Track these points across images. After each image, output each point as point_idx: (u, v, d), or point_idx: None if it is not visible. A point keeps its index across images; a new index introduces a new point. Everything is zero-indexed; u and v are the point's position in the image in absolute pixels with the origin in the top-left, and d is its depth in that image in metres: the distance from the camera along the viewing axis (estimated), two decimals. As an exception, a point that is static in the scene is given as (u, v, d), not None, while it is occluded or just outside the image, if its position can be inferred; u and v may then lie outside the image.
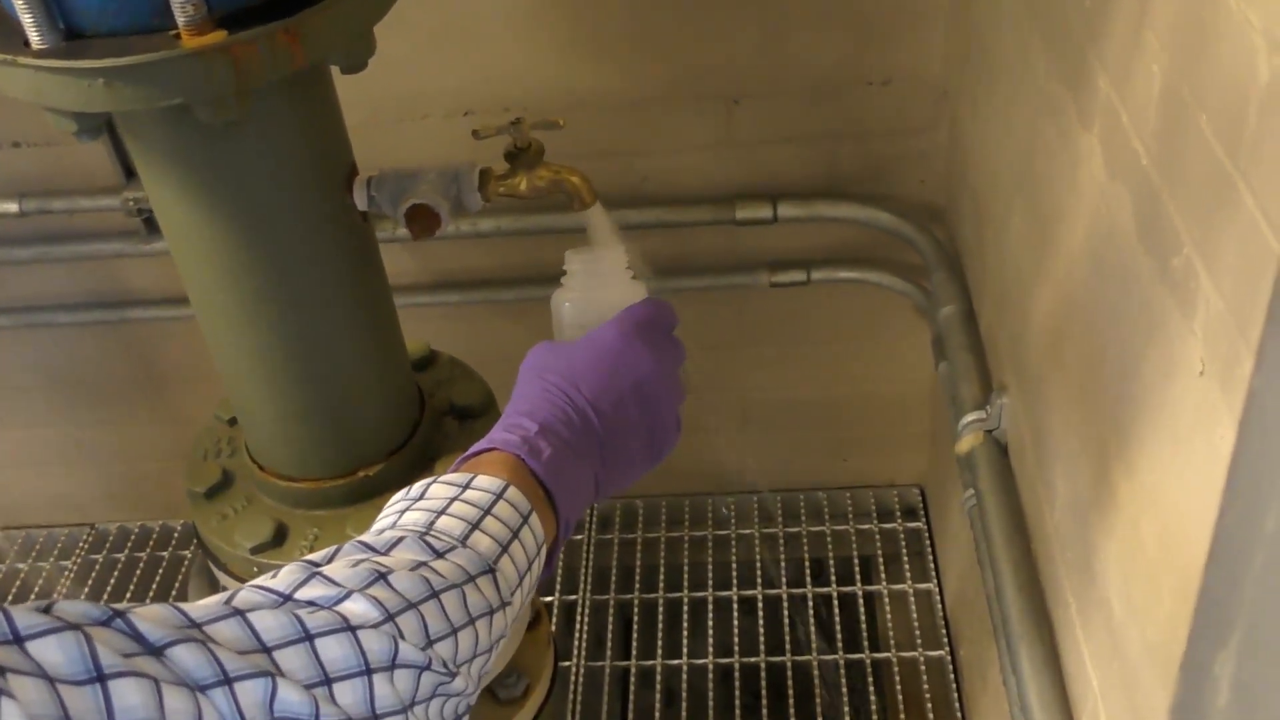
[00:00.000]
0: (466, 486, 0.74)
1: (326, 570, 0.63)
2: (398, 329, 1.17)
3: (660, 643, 2.18)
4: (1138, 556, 0.98)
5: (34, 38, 0.83)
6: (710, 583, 2.26)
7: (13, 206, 1.97)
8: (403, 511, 0.72)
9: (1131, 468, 0.99)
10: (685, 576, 2.29)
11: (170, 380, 2.31)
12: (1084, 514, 1.14)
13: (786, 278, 2.01)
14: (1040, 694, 1.25)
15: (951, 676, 2.07)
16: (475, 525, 0.71)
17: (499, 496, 0.73)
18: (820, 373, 2.25)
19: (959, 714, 2.01)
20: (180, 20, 0.82)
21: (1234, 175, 0.76)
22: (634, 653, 2.19)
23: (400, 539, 0.68)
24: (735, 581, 2.26)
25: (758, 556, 2.32)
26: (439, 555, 0.68)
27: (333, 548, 0.67)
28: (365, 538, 0.69)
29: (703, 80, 1.87)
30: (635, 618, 2.24)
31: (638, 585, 2.29)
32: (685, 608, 2.23)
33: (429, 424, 1.21)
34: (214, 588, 1.22)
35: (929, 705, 2.04)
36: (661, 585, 2.27)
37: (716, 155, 1.95)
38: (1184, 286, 0.85)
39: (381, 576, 0.63)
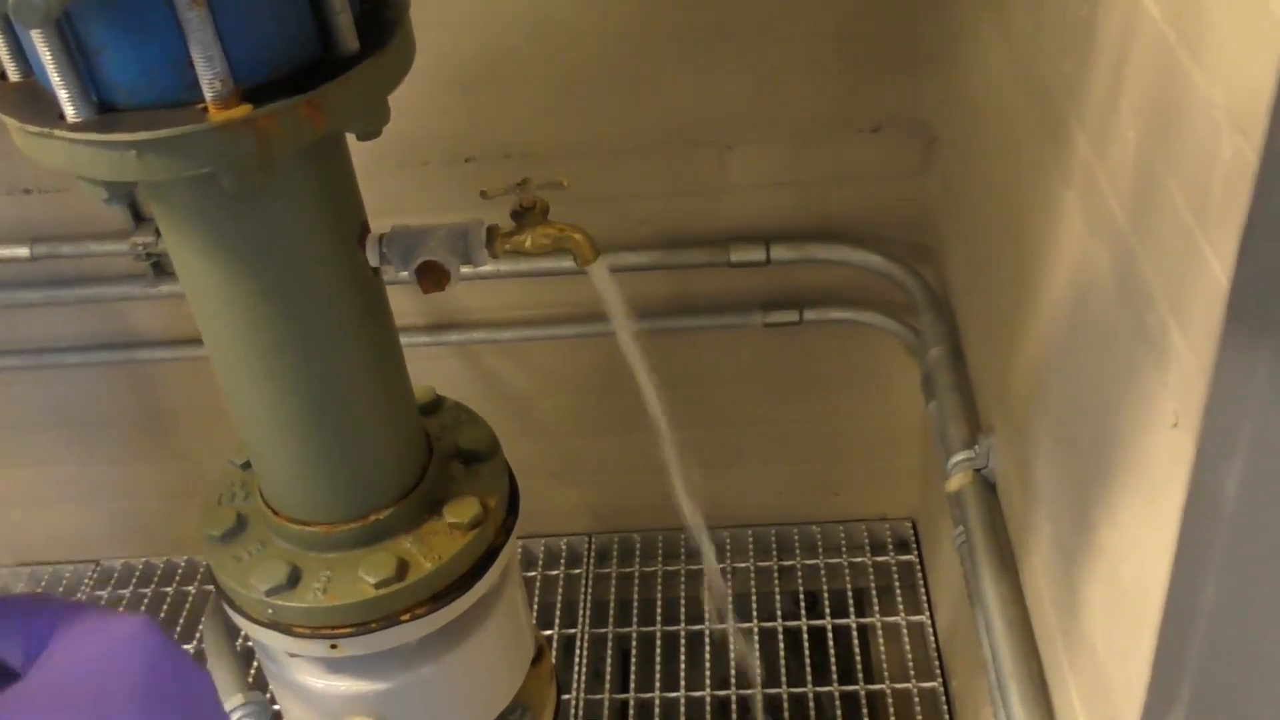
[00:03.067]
0: None
1: None
2: (406, 377, 1.22)
3: (658, 675, 2.21)
4: (1120, 599, 1.02)
5: (69, 111, 0.87)
6: (706, 615, 2.30)
7: (24, 251, 2.02)
8: None
9: (1112, 514, 1.03)
10: (682, 609, 2.32)
11: (175, 419, 2.35)
12: (1069, 555, 1.18)
13: (779, 318, 2.06)
14: (1029, 728, 1.29)
15: (945, 708, 2.11)
16: None
17: None
18: (813, 409, 2.30)
19: (952, 745, 2.05)
20: (208, 95, 0.86)
21: (1201, 241, 0.81)
22: (632, 685, 2.22)
23: None
24: (732, 614, 2.30)
25: (753, 589, 2.36)
26: None
27: None
28: None
29: (697, 127, 1.92)
30: (633, 650, 2.28)
31: (635, 618, 2.33)
32: (683, 640, 2.27)
33: (436, 468, 1.25)
34: (229, 629, 1.26)
35: (922, 736, 2.08)
36: (659, 618, 2.31)
37: (711, 199, 2.00)
38: (1158, 342, 0.90)
39: None
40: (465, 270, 2.08)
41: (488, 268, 1.99)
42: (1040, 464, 1.31)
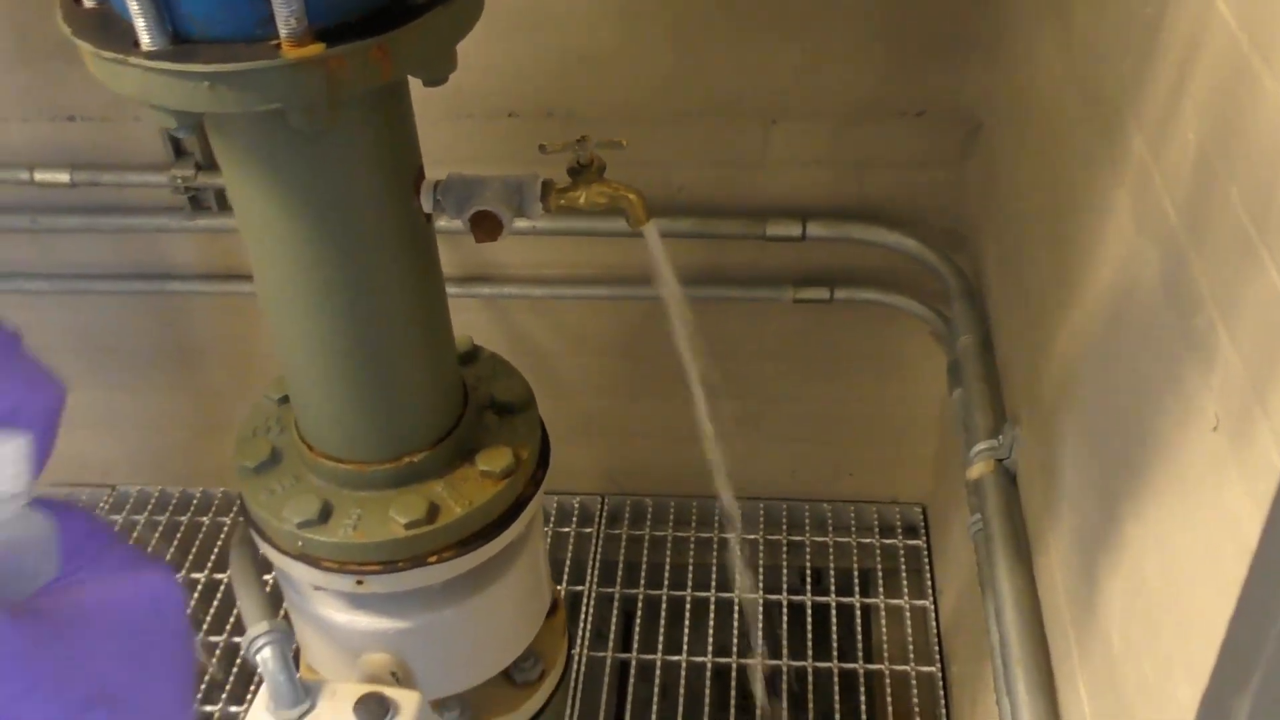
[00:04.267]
0: None
1: None
2: (449, 325, 1.23)
3: (661, 639, 2.24)
4: (1140, 596, 1.03)
5: (144, 40, 0.88)
6: (713, 584, 2.32)
7: (64, 177, 2.03)
8: None
9: (1139, 511, 1.04)
10: (690, 576, 2.34)
11: (201, 354, 2.36)
12: (1089, 549, 1.20)
13: (810, 295, 2.07)
14: (1033, 715, 1.30)
15: (941, 693, 2.13)
16: None
17: None
18: (834, 389, 2.31)
19: (947, 729, 2.07)
20: (283, 32, 0.87)
21: (1259, 247, 0.82)
22: (635, 646, 2.25)
23: None
24: (738, 584, 2.32)
25: (760, 562, 2.37)
26: None
27: None
28: None
29: (742, 99, 1.92)
30: (638, 612, 2.30)
31: (643, 581, 2.35)
32: (688, 606, 2.29)
33: (471, 416, 1.27)
34: (256, 558, 1.28)
35: (917, 718, 2.10)
36: (666, 583, 2.33)
37: (751, 171, 2.00)
38: (1204, 345, 0.91)
39: None
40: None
41: (524, 223, 2.01)
42: (1066, 457, 1.32)
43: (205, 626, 2.28)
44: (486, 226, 1.08)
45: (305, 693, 1.12)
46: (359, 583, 1.19)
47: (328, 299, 1.07)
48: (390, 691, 1.16)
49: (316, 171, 1.00)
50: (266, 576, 1.34)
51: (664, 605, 2.29)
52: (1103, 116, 1.23)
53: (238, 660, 2.24)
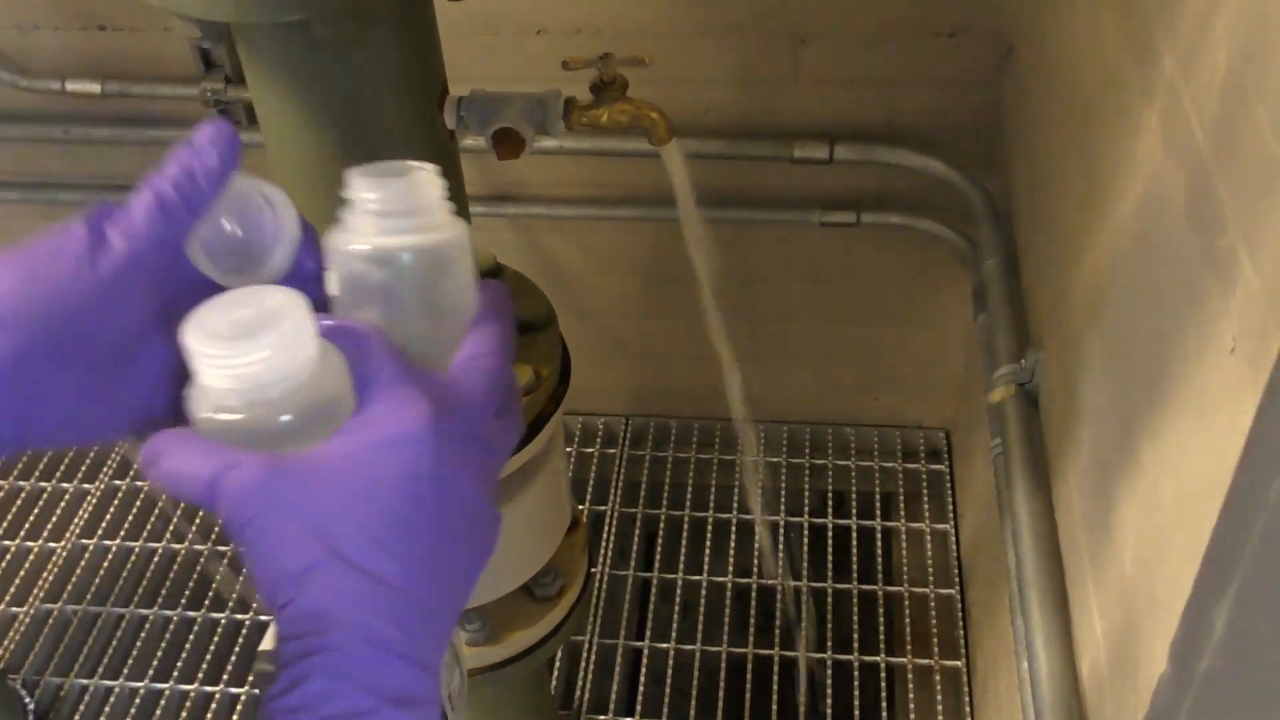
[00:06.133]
0: None
1: None
2: (470, 242, 1.23)
3: (683, 559, 2.27)
4: (1154, 516, 1.04)
5: (169, -53, 0.88)
6: (735, 505, 2.34)
7: (95, 87, 2.04)
8: None
9: (1156, 432, 1.05)
10: (712, 497, 2.37)
11: (231, 267, 2.38)
12: (1107, 472, 1.20)
13: (837, 218, 2.06)
14: (1046, 636, 1.32)
15: (959, 615, 2.15)
16: None
17: None
18: (860, 313, 2.30)
19: (963, 650, 2.10)
20: (305, -59, 0.87)
21: (1284, 169, 0.81)
22: (657, 565, 2.28)
23: None
24: (760, 507, 2.34)
25: (783, 484, 2.39)
26: None
27: None
28: None
29: (772, 17, 1.90)
30: (660, 533, 2.33)
31: (665, 502, 2.37)
32: (709, 527, 2.31)
33: (493, 334, 1.28)
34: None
35: (935, 639, 2.13)
36: (688, 504, 2.35)
37: (779, 92, 1.98)
38: (1225, 267, 0.91)
39: None
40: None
41: (551, 143, 2.00)
42: (1088, 381, 1.32)
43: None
44: (509, 144, 1.07)
45: None
46: (382, 494, 1.21)
47: (351, 213, 1.08)
48: None
49: (340, 85, 1.00)
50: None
51: (686, 526, 2.32)
52: (1136, 37, 1.21)
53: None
